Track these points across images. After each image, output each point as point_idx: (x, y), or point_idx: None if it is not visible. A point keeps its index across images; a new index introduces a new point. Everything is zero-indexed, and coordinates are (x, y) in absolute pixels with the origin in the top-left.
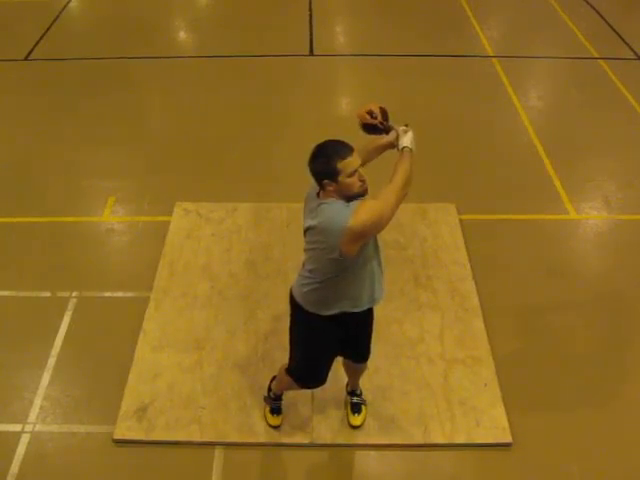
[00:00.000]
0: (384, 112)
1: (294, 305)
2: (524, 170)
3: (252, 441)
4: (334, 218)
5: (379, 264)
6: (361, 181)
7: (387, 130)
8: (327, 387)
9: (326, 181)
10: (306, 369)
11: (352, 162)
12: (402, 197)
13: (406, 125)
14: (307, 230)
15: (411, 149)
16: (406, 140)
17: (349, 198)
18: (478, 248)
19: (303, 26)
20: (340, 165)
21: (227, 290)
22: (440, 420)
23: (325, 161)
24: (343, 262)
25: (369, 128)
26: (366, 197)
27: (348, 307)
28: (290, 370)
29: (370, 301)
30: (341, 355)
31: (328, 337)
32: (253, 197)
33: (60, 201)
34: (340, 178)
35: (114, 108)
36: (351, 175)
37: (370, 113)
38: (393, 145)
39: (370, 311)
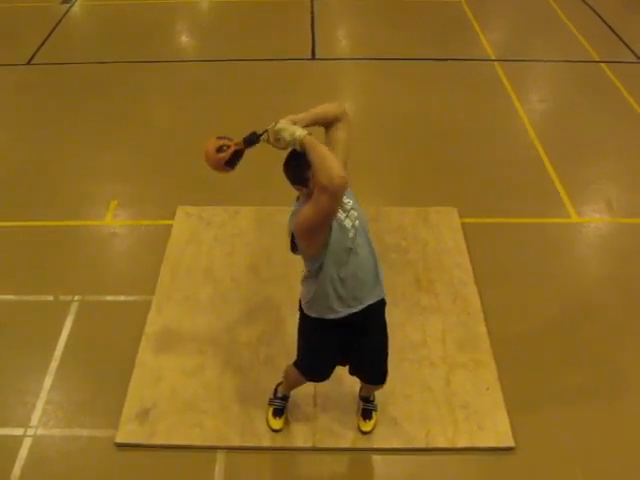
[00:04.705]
0: (223, 138)
1: (299, 305)
2: (526, 173)
3: (254, 445)
4: (291, 218)
5: (341, 280)
6: None
7: (251, 140)
8: (329, 391)
9: (297, 186)
10: (309, 363)
11: None
12: (331, 192)
13: (258, 135)
14: None
15: (304, 136)
16: (295, 132)
17: None
18: (480, 251)
19: (305, 30)
20: (309, 173)
21: (229, 294)
22: (442, 424)
23: (296, 168)
24: (309, 262)
25: (235, 158)
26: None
27: (325, 313)
28: (296, 362)
29: (336, 311)
30: (355, 374)
31: (326, 339)
32: (255, 201)
33: (62, 205)
34: (310, 184)
35: (116, 112)
36: None
37: (220, 149)
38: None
39: (375, 322)
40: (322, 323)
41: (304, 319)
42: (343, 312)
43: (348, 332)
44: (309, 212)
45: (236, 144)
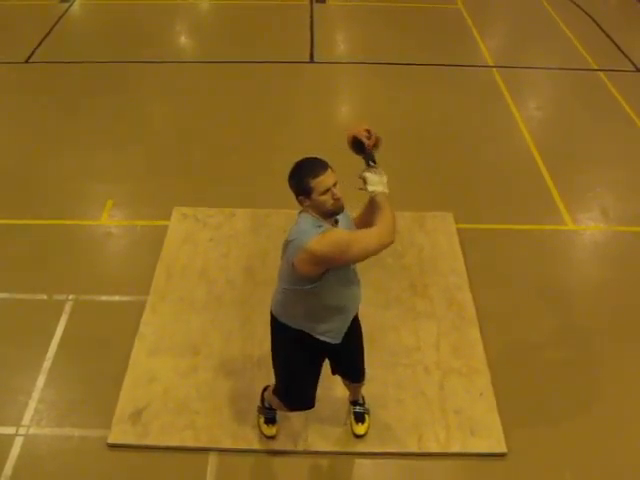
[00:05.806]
0: (377, 138)
1: (272, 318)
2: (522, 180)
3: (246, 447)
4: (299, 234)
5: (347, 310)
6: (335, 199)
7: (370, 157)
8: (321, 395)
9: (301, 197)
10: (289, 390)
11: (324, 180)
12: (384, 244)
13: (374, 163)
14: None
15: (386, 192)
16: (383, 184)
17: (325, 214)
18: (475, 257)
19: (304, 33)
20: (313, 183)
21: (224, 295)
22: (435, 429)
23: (299, 179)
24: (300, 280)
25: (358, 146)
26: (350, 227)
27: (308, 330)
28: (275, 391)
29: (330, 337)
30: (336, 373)
31: (304, 353)
32: (251, 203)
33: (58, 204)
34: (313, 195)
35: (114, 111)
36: (324, 193)
37: (367, 131)
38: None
39: (354, 329)
40: (308, 337)
41: (285, 334)
42: (337, 338)
43: (336, 347)
44: (355, 243)
45: (368, 145)
